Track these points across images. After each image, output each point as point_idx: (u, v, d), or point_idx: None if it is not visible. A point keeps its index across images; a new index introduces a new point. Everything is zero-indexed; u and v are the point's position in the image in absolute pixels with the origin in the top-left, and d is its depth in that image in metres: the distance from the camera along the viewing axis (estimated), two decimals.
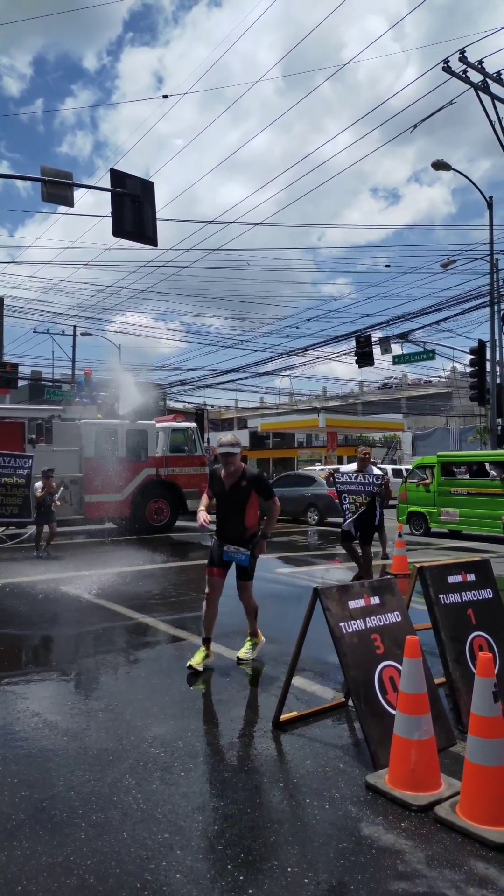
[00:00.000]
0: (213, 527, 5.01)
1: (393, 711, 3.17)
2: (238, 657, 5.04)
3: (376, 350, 21.08)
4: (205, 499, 5.02)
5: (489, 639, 4.04)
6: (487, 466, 14.74)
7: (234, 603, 5.10)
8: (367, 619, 3.64)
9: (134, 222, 10.08)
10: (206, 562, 5.10)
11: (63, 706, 4.17)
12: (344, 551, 8.36)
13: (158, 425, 15.88)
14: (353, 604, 3.65)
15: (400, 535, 9.90)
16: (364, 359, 20.76)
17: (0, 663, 5.26)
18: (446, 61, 14.69)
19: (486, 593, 4.23)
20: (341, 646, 3.46)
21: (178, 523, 15.67)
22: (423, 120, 15.40)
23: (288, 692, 3.79)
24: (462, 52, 14.58)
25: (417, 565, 4.07)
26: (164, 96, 27.87)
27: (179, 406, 37.24)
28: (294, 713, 3.89)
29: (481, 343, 18.68)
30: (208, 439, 27.23)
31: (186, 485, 15.31)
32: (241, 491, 4.74)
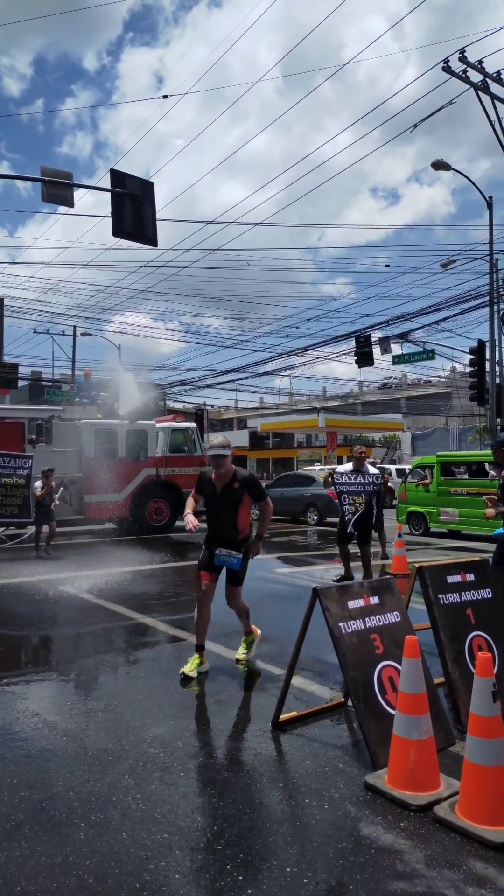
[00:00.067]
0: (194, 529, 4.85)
1: (392, 711, 3.17)
2: (236, 658, 5.04)
3: (376, 350, 21.06)
4: (191, 502, 4.90)
5: (488, 638, 4.04)
6: (487, 466, 14.73)
7: None
8: (367, 618, 3.64)
9: (134, 222, 10.07)
10: None
11: (62, 706, 4.17)
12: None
13: (158, 425, 15.88)
14: (352, 604, 3.65)
15: (399, 535, 9.89)
16: (364, 359, 20.75)
17: (0, 663, 5.26)
18: (446, 61, 14.68)
19: (486, 593, 4.23)
20: (340, 646, 3.46)
21: (178, 523, 15.66)
22: (423, 120, 15.41)
23: (287, 692, 3.79)
24: (462, 51, 14.56)
25: (417, 565, 4.07)
26: (165, 96, 27.89)
27: (179, 406, 37.24)
28: (293, 713, 3.89)
29: (481, 343, 18.68)
30: (208, 439, 27.18)
31: (186, 485, 15.29)
32: (233, 493, 4.68)
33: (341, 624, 3.52)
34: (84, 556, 11.35)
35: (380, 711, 3.34)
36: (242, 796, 2.99)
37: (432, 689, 3.45)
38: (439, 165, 18.23)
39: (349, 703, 3.88)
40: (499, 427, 18.34)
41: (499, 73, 15.15)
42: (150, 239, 10.31)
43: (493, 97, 15.48)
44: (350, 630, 3.53)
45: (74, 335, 34.37)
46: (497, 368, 18.84)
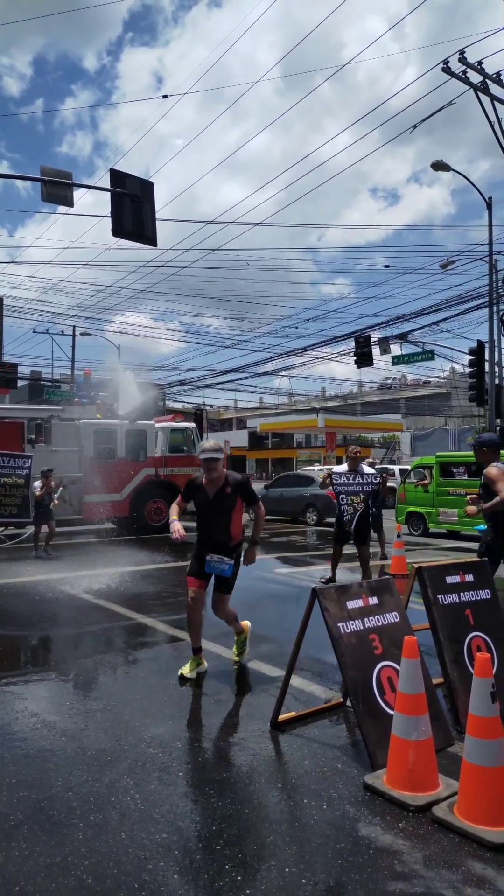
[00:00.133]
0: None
1: (391, 712, 3.17)
2: (233, 659, 5.03)
3: (375, 350, 21.05)
4: (176, 508, 4.79)
5: (487, 639, 4.04)
6: None
7: None
8: (366, 619, 3.65)
9: (133, 222, 10.07)
10: None
11: (61, 706, 4.17)
12: (343, 551, 8.35)
13: (157, 425, 15.87)
14: (351, 604, 3.65)
15: (398, 536, 9.90)
16: (363, 359, 20.75)
17: None
18: (446, 62, 14.68)
19: (485, 594, 4.24)
20: (339, 646, 3.46)
21: (185, 523, 15.64)
22: (423, 120, 15.39)
23: (286, 692, 3.80)
24: (462, 52, 14.57)
25: (416, 565, 4.07)
26: (164, 96, 27.83)
27: (178, 406, 37.23)
28: (292, 713, 3.89)
29: (480, 344, 18.69)
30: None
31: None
32: (226, 497, 4.58)
33: (340, 624, 3.53)
34: (83, 556, 11.35)
35: (379, 712, 3.35)
36: (241, 796, 3.00)
37: (431, 689, 3.45)
38: (439, 166, 18.24)
39: (348, 703, 3.88)
40: (498, 428, 18.36)
41: (498, 74, 15.16)
42: (150, 239, 10.31)
43: (493, 98, 15.49)
44: (349, 630, 3.54)
45: (74, 335, 34.41)
46: (496, 369, 18.85)
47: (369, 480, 7.98)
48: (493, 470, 5.23)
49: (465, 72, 14.84)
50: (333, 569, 8.15)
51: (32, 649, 5.87)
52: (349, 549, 8.46)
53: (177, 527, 4.64)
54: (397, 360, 22.94)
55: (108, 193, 10.03)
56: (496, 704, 2.72)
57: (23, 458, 11.55)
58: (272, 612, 7.05)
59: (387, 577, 4.42)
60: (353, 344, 21.25)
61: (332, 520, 10.79)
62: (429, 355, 21.92)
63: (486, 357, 18.56)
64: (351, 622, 3.57)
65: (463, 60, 14.63)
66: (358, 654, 3.49)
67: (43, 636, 6.18)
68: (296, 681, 4.39)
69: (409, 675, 3.01)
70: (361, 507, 7.82)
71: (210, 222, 23.29)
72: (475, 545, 13.01)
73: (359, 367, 21.51)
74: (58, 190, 9.71)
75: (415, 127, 15.64)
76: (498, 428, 18.31)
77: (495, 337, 18.86)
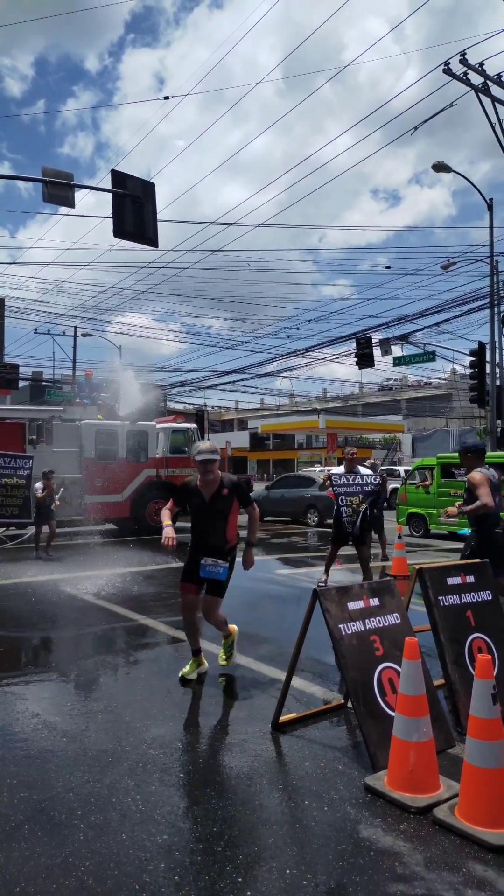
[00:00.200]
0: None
1: (392, 713, 3.17)
2: (220, 664, 4.86)
3: (376, 351, 21.08)
4: (167, 512, 4.70)
5: (488, 641, 4.04)
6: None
7: (229, 598, 4.80)
8: (367, 620, 3.64)
9: (135, 223, 10.08)
10: None
11: (62, 707, 4.17)
12: (343, 553, 8.34)
13: (158, 426, 15.88)
14: (352, 605, 3.65)
15: (399, 537, 9.89)
16: (364, 360, 20.76)
17: None
18: (447, 63, 14.70)
19: (486, 595, 4.23)
20: (340, 647, 3.46)
21: (178, 524, 15.65)
22: (424, 122, 15.41)
23: (287, 693, 3.79)
24: (463, 54, 14.59)
25: (417, 567, 4.07)
26: (166, 97, 27.85)
27: (180, 407, 37.29)
28: (293, 715, 3.89)
29: (481, 345, 18.69)
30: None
31: None
32: (222, 499, 4.53)
33: (341, 625, 3.53)
34: (84, 557, 11.35)
35: (379, 713, 3.34)
36: (242, 798, 2.99)
37: (432, 691, 3.45)
38: (440, 167, 18.24)
39: (349, 704, 3.88)
40: (499, 429, 18.35)
41: (499, 75, 15.18)
42: (151, 240, 10.32)
43: (494, 99, 15.51)
44: (350, 632, 3.54)
45: (75, 336, 34.44)
46: (497, 370, 18.84)
47: (368, 481, 7.98)
48: (476, 475, 5.33)
49: (466, 73, 14.87)
50: (326, 570, 8.11)
51: (33, 650, 5.87)
52: (350, 549, 8.45)
53: (169, 532, 4.54)
54: (398, 362, 22.96)
55: (110, 194, 10.04)
56: (497, 706, 2.72)
57: (24, 459, 11.56)
58: (273, 613, 7.05)
59: (388, 578, 4.42)
60: (354, 345, 21.29)
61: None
62: (430, 356, 21.95)
63: (487, 358, 18.57)
64: (352, 623, 3.57)
65: (464, 62, 14.66)
66: (359, 656, 3.49)
67: (44, 637, 6.18)
68: (297, 682, 4.39)
69: (410, 676, 3.01)
70: (361, 508, 7.81)
71: (211, 223, 23.36)
72: None
73: (360, 369, 21.53)
74: (59, 191, 9.73)
75: (416, 128, 15.66)
76: (499, 429, 18.30)
77: (496, 338, 18.88)
